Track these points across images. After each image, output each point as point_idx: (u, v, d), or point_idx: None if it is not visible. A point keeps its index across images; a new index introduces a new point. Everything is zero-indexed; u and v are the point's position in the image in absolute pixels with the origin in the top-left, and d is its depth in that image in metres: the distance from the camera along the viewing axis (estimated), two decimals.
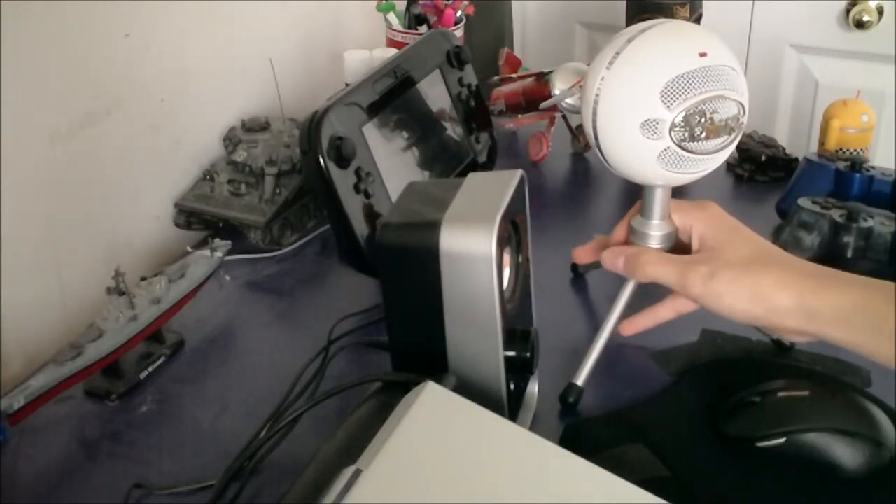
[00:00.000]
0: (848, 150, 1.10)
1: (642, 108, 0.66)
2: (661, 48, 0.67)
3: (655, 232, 0.75)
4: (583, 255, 0.84)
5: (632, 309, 0.80)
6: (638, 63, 0.67)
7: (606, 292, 0.94)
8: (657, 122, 0.66)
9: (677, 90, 0.66)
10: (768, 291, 0.66)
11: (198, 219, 1.05)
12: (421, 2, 1.24)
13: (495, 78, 1.30)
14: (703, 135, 0.67)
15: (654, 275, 0.71)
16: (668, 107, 0.66)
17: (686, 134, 0.67)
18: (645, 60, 0.67)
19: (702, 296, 0.68)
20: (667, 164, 0.68)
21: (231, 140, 1.09)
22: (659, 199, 0.74)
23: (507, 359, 0.66)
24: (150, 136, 1.01)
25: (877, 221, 0.92)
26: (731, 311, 0.68)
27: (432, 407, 0.56)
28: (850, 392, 0.72)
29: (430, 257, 0.63)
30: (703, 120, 0.66)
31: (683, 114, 0.66)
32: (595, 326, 0.82)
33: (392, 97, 0.94)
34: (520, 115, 1.22)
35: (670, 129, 0.66)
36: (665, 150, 0.67)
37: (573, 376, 0.76)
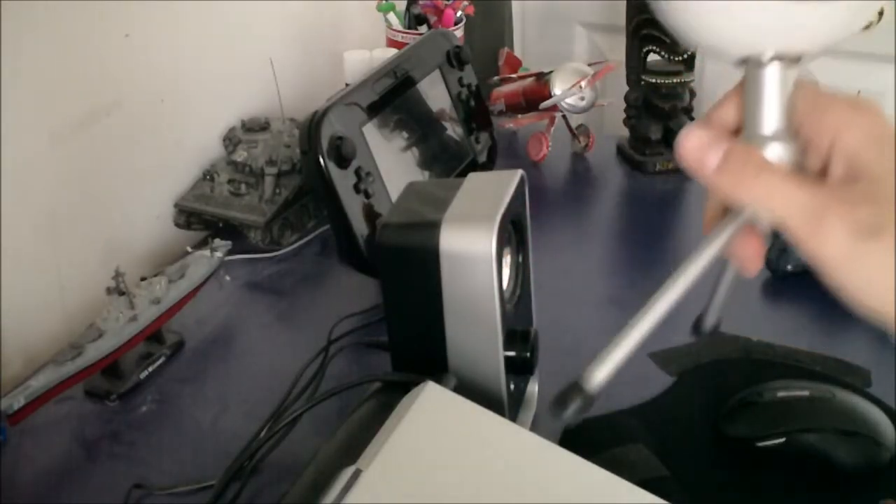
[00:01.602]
0: None
1: None
2: None
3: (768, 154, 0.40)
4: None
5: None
6: None
7: (607, 292, 0.94)
8: None
9: None
10: None
11: (198, 219, 1.05)
12: (421, 2, 1.24)
13: (495, 78, 1.30)
14: None
15: (766, 199, 0.39)
16: None
17: None
18: None
19: (838, 259, 0.37)
20: None
21: (231, 140, 1.09)
22: (771, 86, 0.40)
23: (507, 359, 0.66)
24: (150, 136, 1.01)
25: None
26: (872, 299, 0.38)
27: (432, 407, 0.56)
28: (850, 392, 0.72)
29: (430, 257, 0.63)
30: None
31: None
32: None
33: (392, 97, 0.94)
34: (520, 115, 1.22)
35: None
36: None
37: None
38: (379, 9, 1.24)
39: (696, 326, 0.49)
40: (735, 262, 0.43)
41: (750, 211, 0.40)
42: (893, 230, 0.36)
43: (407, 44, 1.10)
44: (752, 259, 0.43)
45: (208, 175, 1.05)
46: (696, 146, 0.40)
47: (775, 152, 0.40)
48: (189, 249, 0.91)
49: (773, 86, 0.39)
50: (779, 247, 0.94)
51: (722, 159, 0.39)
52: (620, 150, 1.24)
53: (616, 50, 1.31)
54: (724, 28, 0.38)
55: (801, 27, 0.37)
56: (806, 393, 0.70)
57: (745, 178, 0.39)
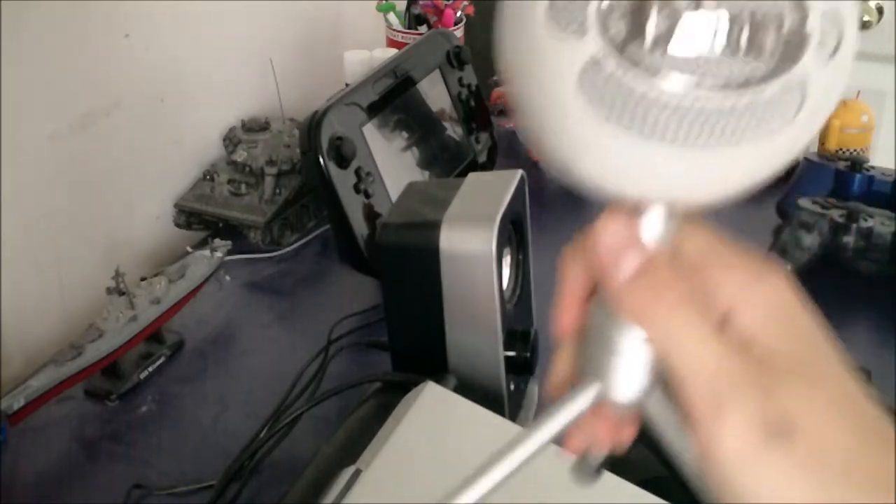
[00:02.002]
0: (848, 150, 1.10)
1: None
2: None
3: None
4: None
5: None
6: None
7: None
8: None
9: None
10: None
11: (198, 219, 1.05)
12: (421, 2, 1.24)
13: (495, 78, 1.30)
14: (687, 30, 0.25)
15: (676, 341, 0.29)
16: None
17: (630, 28, 0.26)
18: None
19: (735, 458, 0.28)
20: (602, 105, 0.26)
21: (231, 140, 1.09)
22: (649, 234, 0.31)
23: (507, 359, 0.66)
24: (150, 136, 1.01)
25: (877, 221, 0.92)
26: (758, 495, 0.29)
27: (432, 407, 0.56)
28: None
29: (430, 257, 0.63)
30: None
31: None
32: None
33: (392, 97, 0.94)
34: None
35: (600, 11, 0.26)
36: (591, 62, 0.26)
37: None
38: (379, 9, 1.24)
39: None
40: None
41: (600, 388, 0.31)
42: (805, 435, 0.28)
43: (407, 44, 1.10)
44: (603, 444, 0.34)
45: (208, 175, 1.05)
46: (614, 242, 0.30)
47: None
48: (189, 249, 0.91)
49: (650, 233, 0.30)
50: (779, 247, 0.94)
51: (640, 269, 0.30)
52: None
53: None
54: (593, 165, 0.28)
55: (690, 177, 0.27)
56: None
57: (661, 303, 0.29)
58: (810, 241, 0.93)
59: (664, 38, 0.25)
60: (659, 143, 0.26)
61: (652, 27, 0.25)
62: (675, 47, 0.25)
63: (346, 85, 1.09)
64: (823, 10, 0.26)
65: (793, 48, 0.26)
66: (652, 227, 0.30)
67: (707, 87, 0.25)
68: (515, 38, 0.28)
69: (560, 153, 0.28)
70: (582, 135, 0.27)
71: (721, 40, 0.25)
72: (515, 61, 0.28)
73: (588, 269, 0.32)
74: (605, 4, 0.26)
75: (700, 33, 0.25)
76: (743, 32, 0.25)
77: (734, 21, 0.25)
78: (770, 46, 0.26)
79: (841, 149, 1.10)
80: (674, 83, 0.25)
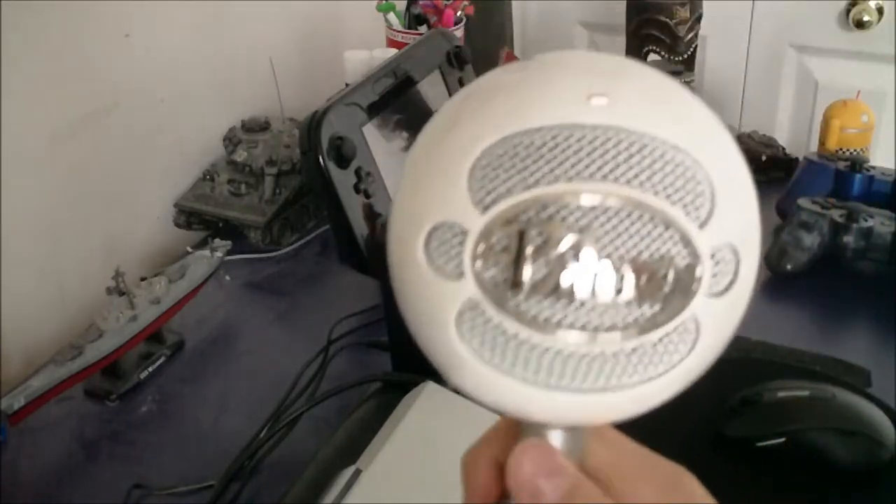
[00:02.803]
0: (848, 150, 1.10)
1: (434, 205, 0.27)
2: (511, 82, 0.26)
3: None
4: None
5: None
6: (456, 113, 0.27)
7: None
8: (455, 235, 0.26)
9: (507, 168, 0.25)
10: None
11: (198, 219, 1.05)
12: (421, 2, 1.24)
13: None
14: (558, 284, 0.24)
15: None
16: (480, 203, 0.25)
17: (507, 274, 0.25)
18: (466, 108, 0.27)
19: None
20: (482, 347, 0.26)
21: (231, 140, 1.09)
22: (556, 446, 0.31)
23: None
24: (150, 136, 1.01)
25: (877, 221, 0.92)
26: None
27: (432, 407, 0.56)
28: (850, 392, 0.72)
29: None
30: (566, 249, 0.24)
31: (516, 226, 0.25)
32: None
33: (392, 97, 0.94)
34: None
35: (476, 255, 0.25)
36: (468, 305, 0.26)
37: None
38: (379, 9, 1.24)
39: None
40: None
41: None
42: None
43: (407, 44, 1.10)
44: None
45: (208, 175, 1.05)
46: (533, 470, 0.28)
47: None
48: (189, 249, 0.91)
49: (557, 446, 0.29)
50: (779, 247, 0.94)
51: (565, 495, 0.28)
52: None
53: (616, 50, 1.31)
54: (483, 394, 0.27)
55: (582, 413, 0.27)
56: (806, 393, 0.70)
57: None
58: (810, 241, 0.93)
59: (543, 285, 0.24)
60: (542, 388, 0.26)
61: (528, 275, 0.24)
62: (555, 295, 0.24)
63: (346, 85, 1.09)
64: (715, 250, 0.25)
65: (683, 288, 0.25)
66: (555, 440, 0.29)
67: (590, 334, 0.25)
68: (400, 263, 0.28)
69: (452, 377, 0.28)
70: (467, 370, 0.26)
71: (604, 287, 0.24)
72: (400, 282, 0.28)
73: (495, 471, 0.31)
74: (480, 248, 0.25)
75: (580, 281, 0.24)
76: (627, 277, 0.24)
77: (618, 267, 0.24)
78: (657, 290, 0.25)
79: (841, 149, 1.10)
80: (554, 331, 0.25)
